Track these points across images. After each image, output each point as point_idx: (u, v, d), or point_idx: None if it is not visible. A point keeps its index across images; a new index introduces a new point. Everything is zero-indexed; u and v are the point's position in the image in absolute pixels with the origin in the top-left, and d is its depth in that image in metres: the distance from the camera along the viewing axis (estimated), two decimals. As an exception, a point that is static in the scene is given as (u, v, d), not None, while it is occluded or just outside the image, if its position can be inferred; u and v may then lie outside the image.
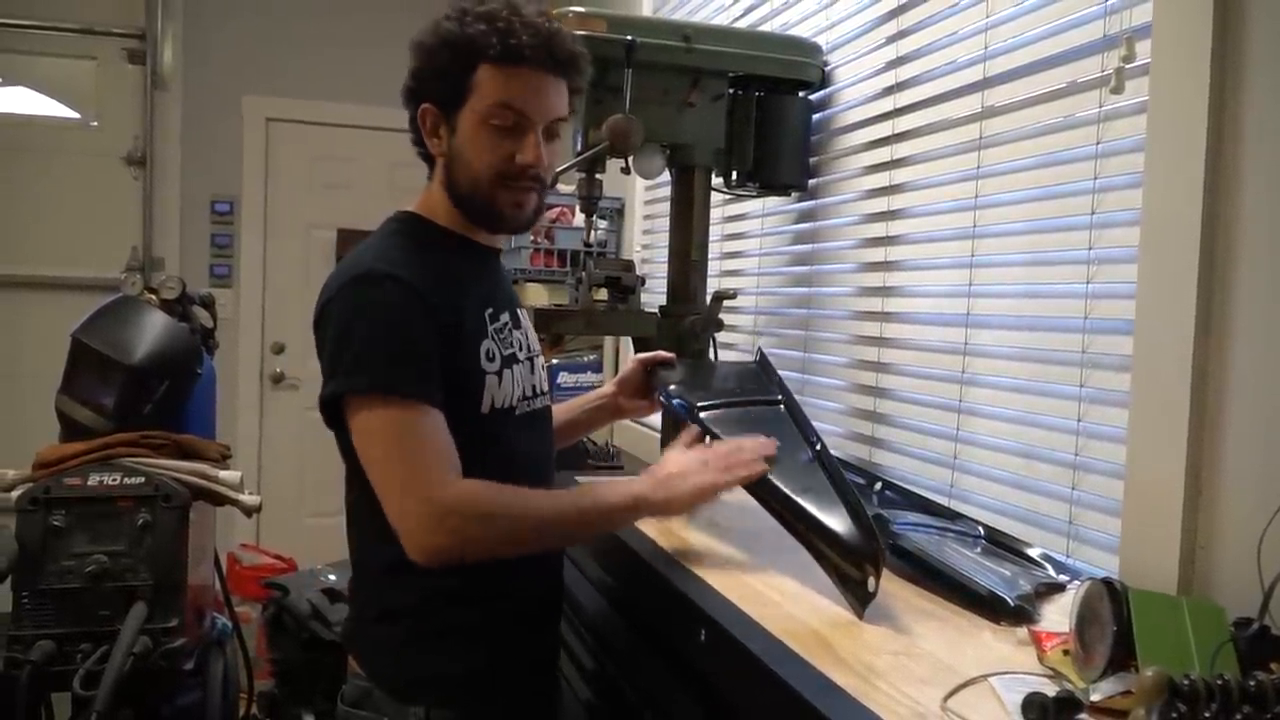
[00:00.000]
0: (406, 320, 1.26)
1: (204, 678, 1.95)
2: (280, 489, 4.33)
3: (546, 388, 1.49)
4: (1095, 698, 0.86)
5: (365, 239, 1.38)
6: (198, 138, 4.32)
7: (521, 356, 1.41)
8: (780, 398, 1.49)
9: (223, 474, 1.90)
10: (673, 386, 1.57)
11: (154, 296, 2.10)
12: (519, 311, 1.47)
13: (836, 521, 1.19)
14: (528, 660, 1.41)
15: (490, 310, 1.37)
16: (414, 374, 1.24)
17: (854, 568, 1.14)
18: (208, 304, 2.26)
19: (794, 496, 1.25)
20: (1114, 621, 0.88)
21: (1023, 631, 1.04)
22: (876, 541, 1.16)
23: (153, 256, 4.22)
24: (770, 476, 1.28)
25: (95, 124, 4.24)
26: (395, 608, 1.34)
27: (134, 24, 4.17)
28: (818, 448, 1.34)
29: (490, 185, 1.32)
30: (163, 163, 4.26)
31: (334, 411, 1.27)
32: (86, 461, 1.80)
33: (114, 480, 1.77)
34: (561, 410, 1.65)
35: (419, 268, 1.30)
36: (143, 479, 1.78)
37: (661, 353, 1.67)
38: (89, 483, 1.76)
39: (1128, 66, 1.25)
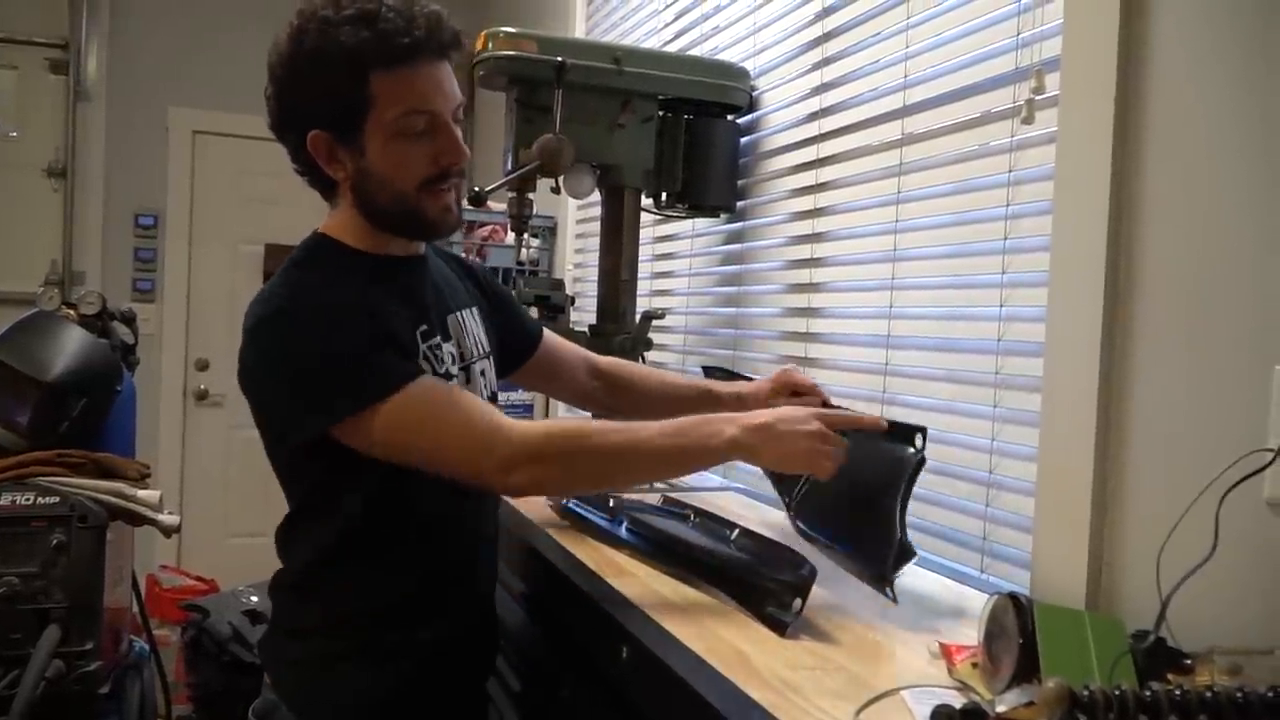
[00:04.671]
0: (355, 327, 1.19)
1: (120, 703, 1.91)
2: (203, 509, 4.25)
3: (487, 395, 1.42)
4: (1001, 709, 0.88)
5: (279, 269, 1.30)
6: (122, 150, 4.24)
7: (455, 370, 1.34)
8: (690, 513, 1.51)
9: (141, 493, 1.87)
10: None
11: (72, 312, 2.06)
12: (457, 315, 1.39)
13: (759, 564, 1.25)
14: (447, 688, 1.37)
15: (425, 327, 1.30)
16: (396, 360, 1.19)
17: (778, 598, 1.17)
18: (129, 320, 2.22)
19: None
20: (1019, 635, 0.91)
21: (935, 645, 1.06)
22: (805, 571, 1.19)
23: (73, 270, 4.13)
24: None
25: (15, 134, 4.13)
26: (303, 626, 1.32)
27: (57, 33, 4.09)
28: (732, 535, 1.36)
29: (416, 196, 1.25)
30: (85, 175, 4.17)
31: (312, 444, 1.20)
32: (-1, 480, 1.76)
33: (27, 500, 1.73)
34: (682, 388, 1.63)
35: (337, 293, 1.23)
36: (57, 499, 1.75)
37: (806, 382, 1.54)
38: (1, 503, 1.72)
39: (1038, 98, 1.30)
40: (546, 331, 1.62)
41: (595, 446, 1.21)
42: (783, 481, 1.57)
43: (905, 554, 1.23)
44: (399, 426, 1.18)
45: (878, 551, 1.23)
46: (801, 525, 1.48)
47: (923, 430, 1.24)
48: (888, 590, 1.21)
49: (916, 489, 1.54)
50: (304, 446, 1.23)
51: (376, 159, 1.23)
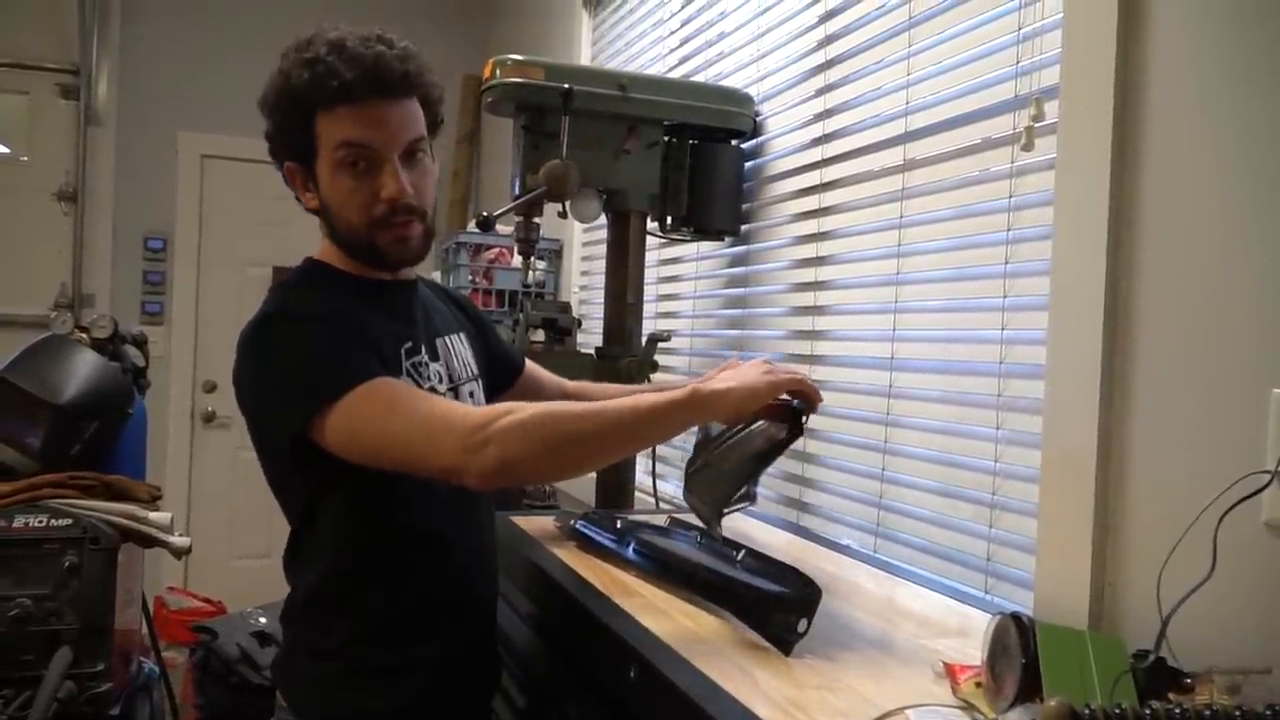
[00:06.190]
0: (331, 329, 1.25)
1: (130, 723, 1.92)
2: (210, 530, 4.25)
3: None
4: (1004, 727, 0.90)
5: (276, 287, 1.38)
6: (131, 174, 4.28)
7: (441, 389, 1.38)
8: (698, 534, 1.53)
9: (153, 515, 1.89)
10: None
11: (85, 335, 2.08)
12: (446, 340, 1.44)
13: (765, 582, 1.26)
14: (457, 701, 1.41)
15: (409, 344, 1.35)
16: (367, 360, 1.23)
17: (784, 618, 1.18)
18: (140, 343, 2.24)
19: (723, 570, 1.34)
20: (1022, 654, 0.92)
21: (939, 665, 1.08)
22: (811, 590, 1.20)
23: (82, 293, 4.16)
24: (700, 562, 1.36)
25: (26, 159, 4.18)
26: (320, 648, 1.35)
27: (67, 59, 4.14)
28: (739, 556, 1.37)
29: (368, 229, 1.30)
30: (95, 199, 4.21)
31: (298, 444, 1.23)
32: (12, 503, 1.78)
33: (40, 522, 1.75)
34: (639, 391, 1.67)
35: (326, 308, 1.29)
36: (70, 521, 1.76)
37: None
38: (14, 525, 1.74)
39: (1037, 125, 1.32)
40: (527, 360, 1.71)
41: (557, 415, 1.19)
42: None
43: (746, 497, 1.37)
44: (362, 418, 1.19)
45: (724, 494, 1.35)
46: (686, 496, 1.50)
47: (804, 410, 1.32)
48: (716, 525, 1.33)
49: (921, 509, 1.56)
50: (294, 463, 1.25)
51: (327, 193, 1.31)
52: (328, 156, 1.28)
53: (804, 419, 1.31)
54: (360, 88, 1.25)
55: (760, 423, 1.29)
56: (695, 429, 1.76)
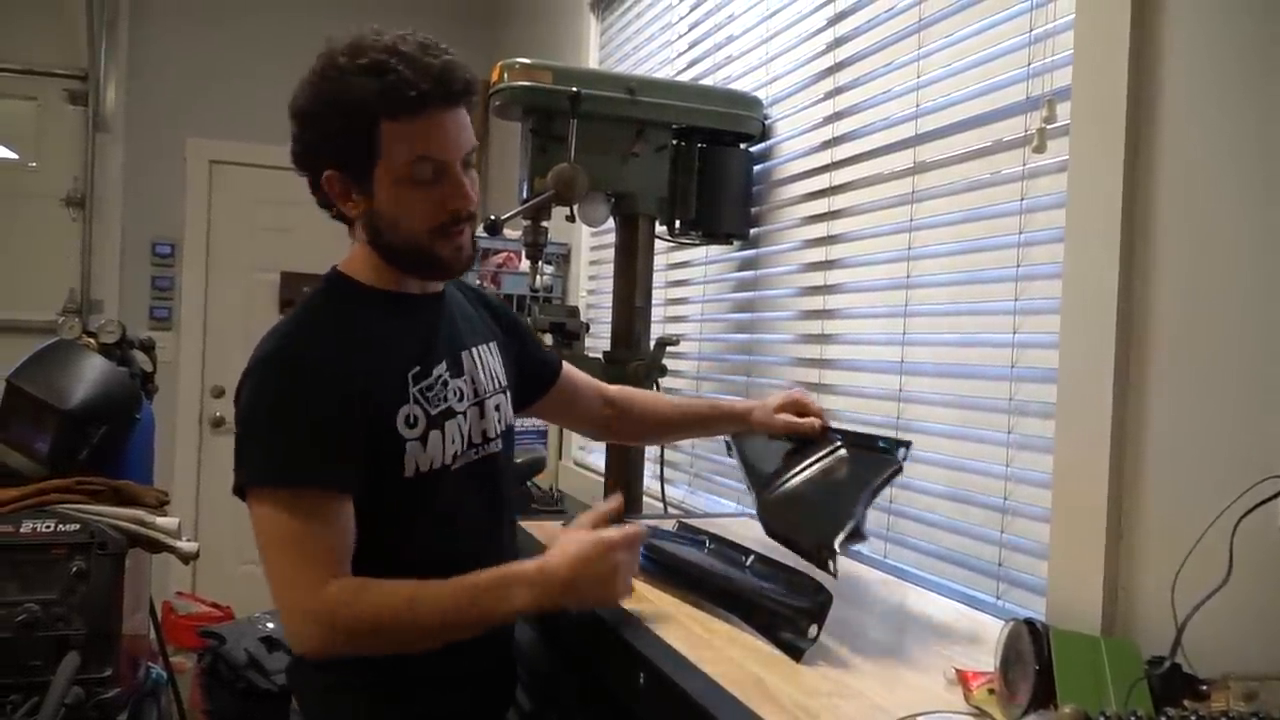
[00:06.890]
0: (304, 404, 1.22)
1: (137, 729, 1.91)
2: (218, 535, 4.25)
3: (501, 429, 1.43)
4: (1018, 735, 0.89)
5: (301, 303, 1.36)
6: (139, 179, 4.29)
7: (461, 407, 1.35)
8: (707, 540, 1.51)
9: (160, 520, 1.88)
10: None
11: (93, 340, 2.08)
12: (473, 351, 1.40)
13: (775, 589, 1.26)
14: (466, 712, 1.39)
15: (417, 369, 1.31)
16: (310, 459, 1.21)
17: (795, 624, 1.17)
18: (148, 348, 2.24)
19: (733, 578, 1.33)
20: (1035, 661, 0.91)
21: (951, 672, 1.07)
22: (822, 596, 1.19)
23: (91, 299, 4.17)
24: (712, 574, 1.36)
25: (34, 165, 4.19)
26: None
27: (76, 65, 4.15)
28: (748, 562, 1.36)
29: (429, 237, 1.27)
30: (103, 204, 4.22)
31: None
32: (20, 508, 1.77)
33: (48, 528, 1.75)
34: (692, 405, 1.75)
35: (333, 340, 1.26)
36: (78, 526, 1.76)
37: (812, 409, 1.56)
38: (22, 530, 1.74)
39: (1049, 127, 1.31)
40: (565, 363, 1.65)
41: (387, 620, 1.17)
42: (754, 476, 1.58)
43: (857, 535, 1.33)
44: (259, 521, 1.24)
45: (828, 527, 1.30)
46: (768, 522, 1.47)
47: (908, 444, 1.39)
48: (829, 563, 1.26)
49: (932, 514, 1.55)
50: None
51: (385, 203, 1.26)
52: (393, 168, 1.23)
53: (904, 454, 1.36)
54: (434, 98, 1.22)
55: (841, 450, 1.28)
56: (728, 444, 1.72)
